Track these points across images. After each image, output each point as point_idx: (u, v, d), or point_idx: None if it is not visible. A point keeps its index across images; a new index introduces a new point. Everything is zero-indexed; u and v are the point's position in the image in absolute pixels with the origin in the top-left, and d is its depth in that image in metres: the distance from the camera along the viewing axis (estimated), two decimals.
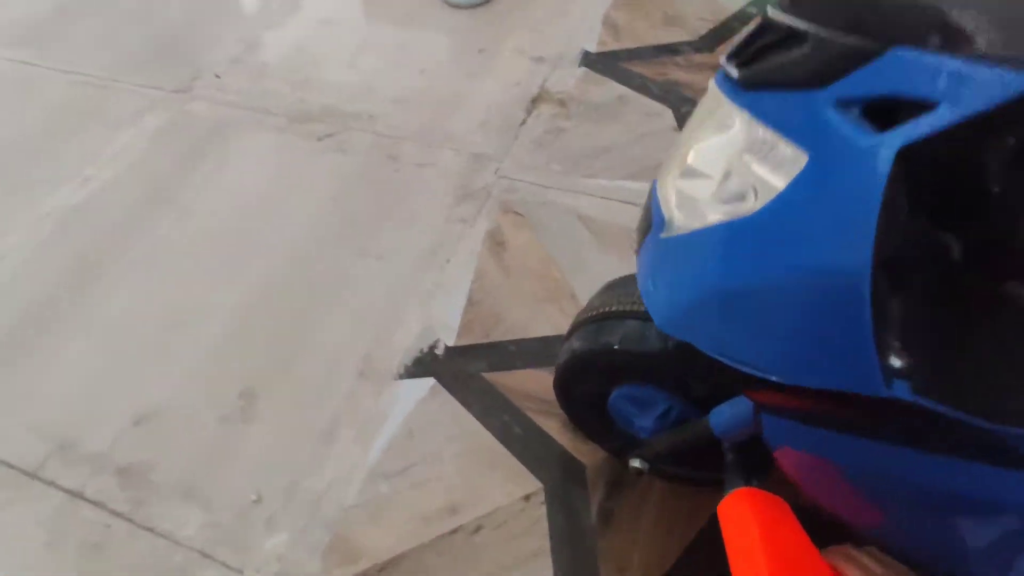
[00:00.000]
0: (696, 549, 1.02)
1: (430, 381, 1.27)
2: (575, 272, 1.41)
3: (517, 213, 1.55)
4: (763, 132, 0.48)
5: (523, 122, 1.78)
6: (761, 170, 0.49)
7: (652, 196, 0.65)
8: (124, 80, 2.04)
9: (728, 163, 0.52)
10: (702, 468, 1.01)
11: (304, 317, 1.39)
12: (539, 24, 2.10)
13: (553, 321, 1.33)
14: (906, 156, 0.39)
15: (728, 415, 0.73)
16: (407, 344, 1.33)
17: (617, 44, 1.99)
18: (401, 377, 1.28)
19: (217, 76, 2.05)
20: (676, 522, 1.05)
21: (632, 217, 1.50)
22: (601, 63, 1.92)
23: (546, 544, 1.06)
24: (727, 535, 0.64)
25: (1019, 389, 0.46)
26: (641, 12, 2.10)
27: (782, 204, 0.46)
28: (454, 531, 1.08)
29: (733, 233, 0.50)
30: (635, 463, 0.91)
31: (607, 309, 0.91)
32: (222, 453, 1.20)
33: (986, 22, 0.38)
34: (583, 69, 1.91)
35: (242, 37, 2.18)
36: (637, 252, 0.69)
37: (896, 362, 0.44)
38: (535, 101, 1.83)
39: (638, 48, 1.96)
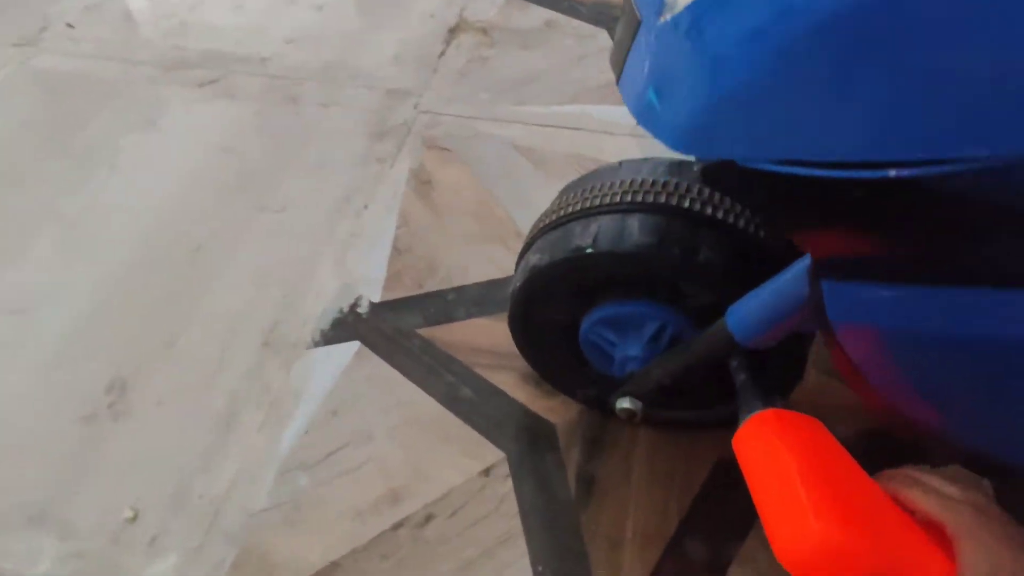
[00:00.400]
0: (701, 505, 0.83)
1: (354, 345, 1.02)
2: (517, 207, 1.20)
3: (444, 148, 1.32)
4: None
5: (442, 53, 1.55)
6: None
7: None
8: None
9: None
10: (700, 405, 0.82)
11: (189, 286, 1.11)
12: None
13: (497, 262, 1.11)
14: None
15: (756, 307, 0.54)
16: (323, 305, 1.08)
17: None
18: (317, 344, 1.03)
19: (70, 26, 1.70)
20: (673, 478, 0.86)
21: (576, 143, 1.31)
22: None
23: (517, 525, 0.84)
24: (749, 470, 0.48)
25: None
26: None
27: None
28: (398, 525, 0.85)
29: None
30: (624, 403, 0.71)
31: (571, 209, 0.70)
32: (84, 463, 0.91)
33: None
34: None
35: None
36: (618, 77, 0.48)
37: None
38: (453, 31, 1.60)
39: None
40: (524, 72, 1.48)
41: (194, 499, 0.88)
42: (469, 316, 1.05)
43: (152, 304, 1.09)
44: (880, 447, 0.61)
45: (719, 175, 0.37)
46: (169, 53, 1.59)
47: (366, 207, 1.22)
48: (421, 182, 1.26)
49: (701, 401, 0.80)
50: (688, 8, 0.36)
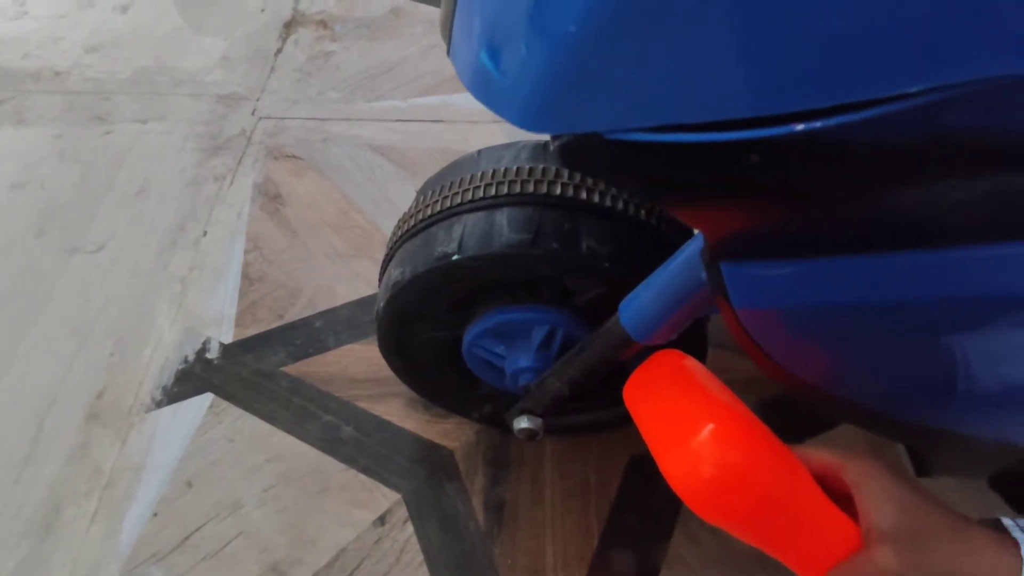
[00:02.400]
0: (621, 513, 0.77)
1: (206, 399, 0.86)
2: (382, 214, 1.08)
3: (293, 156, 1.17)
4: None
5: (279, 51, 1.38)
6: None
7: None
8: None
9: None
10: (603, 406, 0.75)
11: None
12: None
13: (367, 277, 0.99)
14: None
15: (648, 300, 0.47)
16: (163, 357, 0.91)
17: None
18: (160, 405, 0.86)
19: None
20: (588, 488, 0.79)
21: (440, 136, 1.20)
22: None
23: (424, 573, 0.74)
24: (640, 414, 0.44)
25: None
26: None
27: None
28: None
29: None
30: (523, 423, 0.62)
31: (430, 212, 0.60)
32: None
33: None
34: None
35: None
36: (448, 46, 0.38)
37: None
38: (289, 26, 1.44)
39: None
40: (374, 65, 1.35)
41: None
42: (341, 343, 0.92)
43: None
44: (781, 418, 0.57)
45: (581, 153, 0.29)
46: None
47: (205, 234, 1.05)
48: (269, 198, 1.10)
49: (605, 401, 0.73)
50: None
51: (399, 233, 0.63)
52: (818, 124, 0.22)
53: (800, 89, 0.22)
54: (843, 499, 0.38)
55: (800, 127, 0.23)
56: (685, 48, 0.24)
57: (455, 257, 0.55)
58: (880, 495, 0.36)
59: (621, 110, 0.26)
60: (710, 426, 0.37)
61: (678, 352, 0.45)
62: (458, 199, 0.58)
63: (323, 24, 1.45)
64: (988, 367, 0.40)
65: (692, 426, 0.38)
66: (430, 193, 0.62)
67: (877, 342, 0.41)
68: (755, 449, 0.37)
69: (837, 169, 0.27)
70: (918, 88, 0.20)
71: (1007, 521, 0.35)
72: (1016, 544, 0.33)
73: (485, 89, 0.31)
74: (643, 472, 0.80)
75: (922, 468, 0.63)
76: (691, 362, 0.45)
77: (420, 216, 0.61)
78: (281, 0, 1.50)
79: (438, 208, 0.59)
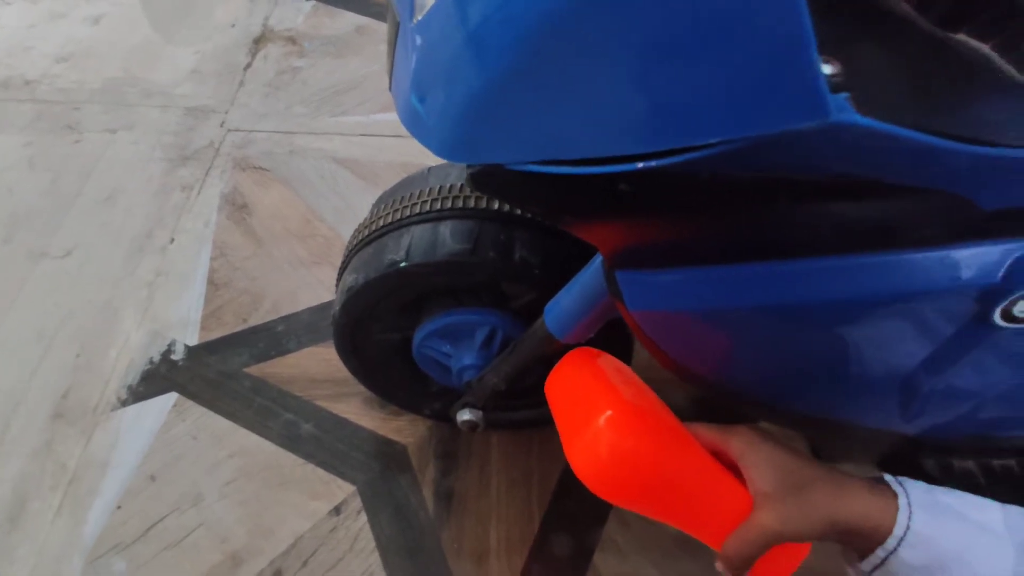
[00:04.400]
0: (560, 502, 0.83)
1: (170, 398, 0.91)
2: (344, 223, 1.14)
3: (260, 168, 1.22)
4: None
5: (248, 66, 1.43)
6: None
7: None
8: None
9: None
10: (543, 402, 0.82)
11: None
12: None
13: (328, 284, 1.04)
14: None
15: (564, 303, 0.53)
16: (128, 358, 0.94)
17: None
18: (125, 404, 0.90)
19: None
20: (531, 478, 0.85)
21: (401, 151, 1.27)
22: None
23: (376, 561, 0.79)
24: (555, 405, 0.48)
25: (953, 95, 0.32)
26: None
27: None
28: None
29: None
30: (465, 415, 0.69)
31: (382, 223, 0.66)
32: None
33: None
34: (311, 2, 1.61)
35: None
36: (390, 83, 0.45)
37: (828, 69, 0.26)
38: (259, 41, 1.49)
39: None
40: (340, 81, 1.41)
41: None
42: (302, 346, 0.97)
43: None
44: (709, 415, 0.64)
45: (487, 180, 0.36)
46: None
47: (172, 241, 1.09)
48: (236, 207, 1.15)
49: (543, 398, 0.80)
50: (432, 9, 0.34)
51: (354, 242, 0.69)
52: (653, 163, 0.29)
53: (636, 138, 0.29)
54: (737, 471, 0.42)
55: (640, 165, 0.30)
56: (555, 106, 0.31)
57: (403, 264, 0.62)
58: (760, 461, 0.39)
59: (515, 147, 0.32)
60: (606, 414, 0.41)
61: (592, 349, 0.51)
62: (407, 212, 0.65)
63: (292, 40, 1.51)
64: (853, 360, 0.47)
65: (591, 415, 0.41)
66: (383, 206, 0.68)
67: (751, 340, 0.46)
68: (648, 433, 0.41)
69: (685, 196, 0.34)
70: (714, 140, 0.28)
71: (888, 477, 0.38)
72: (894, 494, 0.36)
73: (414, 124, 0.37)
74: None
75: (816, 454, 0.71)
76: (605, 359, 0.50)
77: (374, 227, 0.67)
78: (251, 16, 1.56)
79: (390, 219, 0.65)
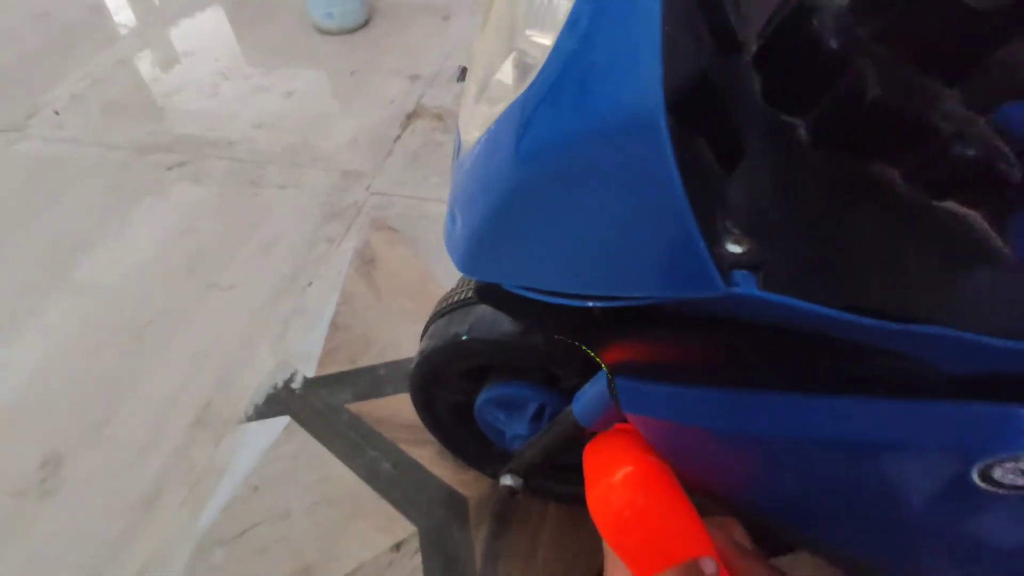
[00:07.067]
0: None
1: (284, 420, 1.06)
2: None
3: (391, 228, 1.40)
4: None
5: (398, 138, 1.65)
6: (538, 38, 0.36)
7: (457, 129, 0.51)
8: None
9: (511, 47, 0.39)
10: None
11: (129, 366, 1.15)
12: (415, 45, 2.01)
13: None
14: None
15: (589, 395, 0.58)
16: (258, 381, 1.12)
17: None
18: (250, 419, 1.07)
19: (56, 113, 1.83)
20: (578, 559, 0.87)
21: None
22: None
23: None
24: (585, 465, 0.55)
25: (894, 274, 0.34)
26: None
27: (554, 63, 0.33)
28: None
29: (506, 123, 0.36)
30: (506, 480, 0.74)
31: (458, 298, 0.75)
32: (5, 539, 0.94)
33: None
34: (461, 84, 1.82)
35: (89, 72, 1.97)
36: None
37: (736, 248, 0.31)
38: (410, 117, 1.71)
39: None
40: None
41: None
42: (397, 391, 1.09)
43: (92, 383, 1.13)
44: None
45: (489, 294, 0.43)
46: (144, 138, 1.70)
47: (310, 285, 1.28)
48: (365, 261, 1.32)
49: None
50: (465, 155, 0.43)
51: (436, 310, 0.79)
52: (599, 304, 0.35)
53: (582, 284, 0.35)
54: None
55: (590, 304, 0.35)
56: (526, 248, 0.38)
57: (464, 337, 0.70)
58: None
59: (506, 273, 0.40)
60: (624, 470, 0.48)
61: (630, 426, 0.56)
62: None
63: (438, 117, 1.71)
64: (821, 491, 0.47)
65: (611, 470, 0.50)
66: (462, 283, 0.78)
67: (725, 458, 0.49)
68: (655, 493, 0.48)
69: (652, 327, 0.39)
70: (636, 295, 0.33)
71: None
72: None
73: (447, 238, 0.46)
74: None
75: None
76: (637, 433, 0.55)
77: (452, 299, 0.76)
78: (408, 95, 1.79)
79: (465, 295, 0.75)
